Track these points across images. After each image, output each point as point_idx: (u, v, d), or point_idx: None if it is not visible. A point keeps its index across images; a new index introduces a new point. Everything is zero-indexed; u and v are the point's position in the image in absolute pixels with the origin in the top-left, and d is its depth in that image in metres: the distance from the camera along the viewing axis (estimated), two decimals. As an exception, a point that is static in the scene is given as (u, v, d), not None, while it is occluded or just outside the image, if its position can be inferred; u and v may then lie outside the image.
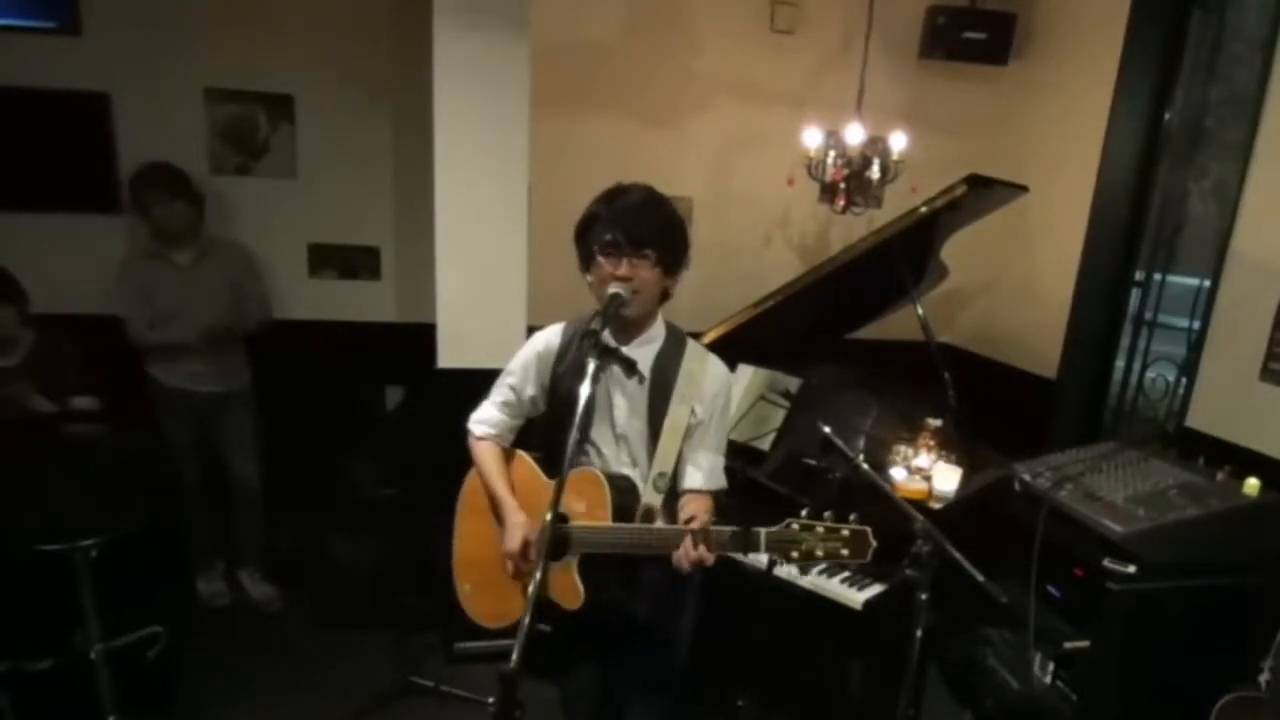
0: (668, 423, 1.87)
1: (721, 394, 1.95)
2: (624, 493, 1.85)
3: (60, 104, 3.31)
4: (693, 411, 1.89)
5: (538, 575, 1.43)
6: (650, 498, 1.87)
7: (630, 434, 1.91)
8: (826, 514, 1.65)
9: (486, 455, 2.01)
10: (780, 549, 1.66)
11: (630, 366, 1.88)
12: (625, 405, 1.90)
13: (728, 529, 1.70)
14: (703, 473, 1.92)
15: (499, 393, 2.03)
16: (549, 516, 1.51)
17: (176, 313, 3.20)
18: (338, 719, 2.85)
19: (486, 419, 2.04)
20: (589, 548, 1.81)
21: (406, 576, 3.43)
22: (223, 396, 3.34)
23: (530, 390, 2.00)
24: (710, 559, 1.70)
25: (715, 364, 1.96)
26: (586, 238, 1.85)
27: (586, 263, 1.87)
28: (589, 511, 1.82)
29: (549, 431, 1.98)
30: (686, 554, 1.69)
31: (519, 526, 1.89)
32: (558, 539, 1.81)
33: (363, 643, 3.28)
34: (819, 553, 1.64)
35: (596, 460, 1.93)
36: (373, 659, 3.17)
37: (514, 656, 1.33)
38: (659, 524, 1.85)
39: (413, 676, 3.04)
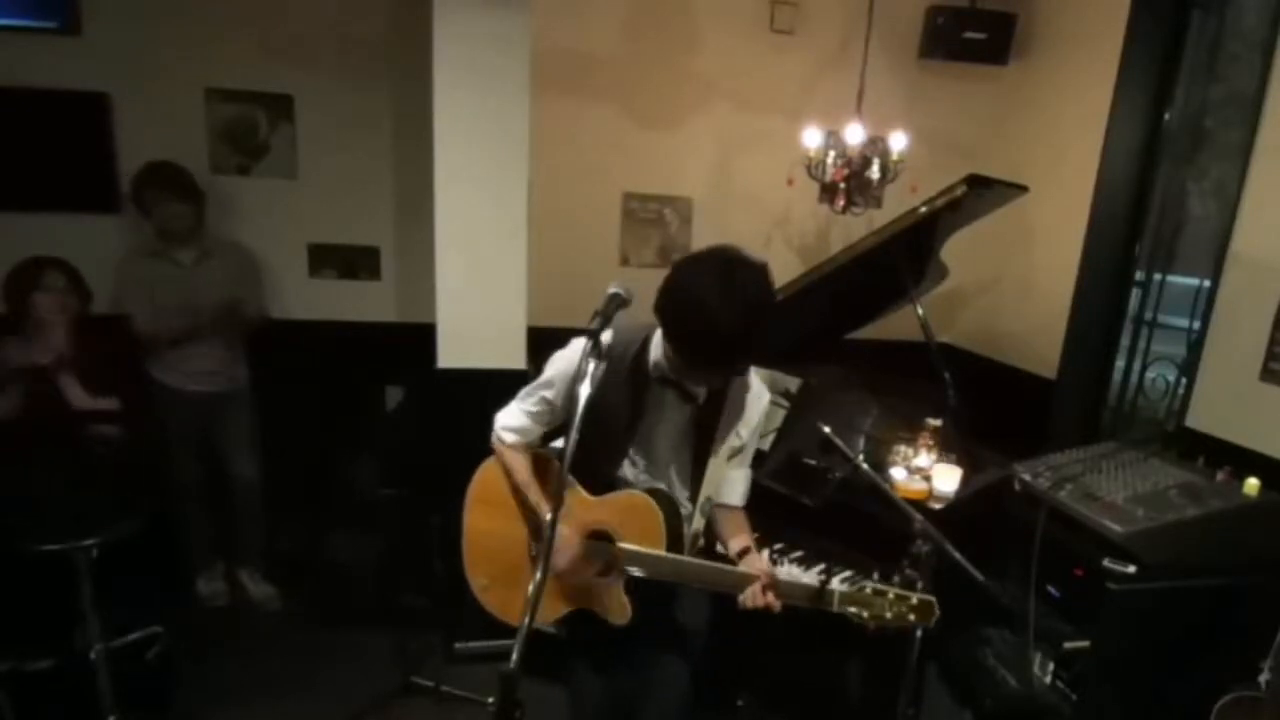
0: (718, 451, 1.91)
1: (758, 416, 1.98)
2: (672, 516, 1.88)
3: (60, 104, 3.31)
4: (737, 434, 1.94)
5: (537, 576, 1.42)
6: (698, 523, 1.92)
7: (675, 461, 1.94)
8: (895, 579, 1.77)
9: (518, 462, 1.99)
10: (853, 607, 1.73)
11: (688, 395, 1.89)
12: (673, 433, 1.92)
13: (800, 584, 1.78)
14: (740, 489, 1.99)
15: (532, 402, 1.98)
16: (549, 517, 1.50)
17: (177, 311, 3.19)
18: (338, 719, 2.85)
19: (516, 427, 2.00)
20: (639, 572, 1.84)
21: (406, 576, 3.43)
22: (222, 396, 3.34)
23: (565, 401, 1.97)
24: (778, 606, 1.76)
25: (758, 387, 1.98)
26: (699, 346, 1.70)
27: (676, 343, 1.74)
28: (641, 538, 1.85)
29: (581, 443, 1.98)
30: (754, 598, 1.74)
31: (563, 540, 1.88)
32: (603, 559, 1.86)
33: (363, 643, 3.27)
34: (888, 615, 1.72)
35: (629, 471, 1.94)
36: (373, 659, 3.17)
37: (514, 656, 1.33)
38: (713, 563, 1.87)
39: (413, 676, 3.03)
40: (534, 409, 1.99)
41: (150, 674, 2.83)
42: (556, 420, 2.00)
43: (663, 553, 1.84)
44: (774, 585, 1.74)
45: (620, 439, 1.91)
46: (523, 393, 2.01)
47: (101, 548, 2.47)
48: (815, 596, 1.74)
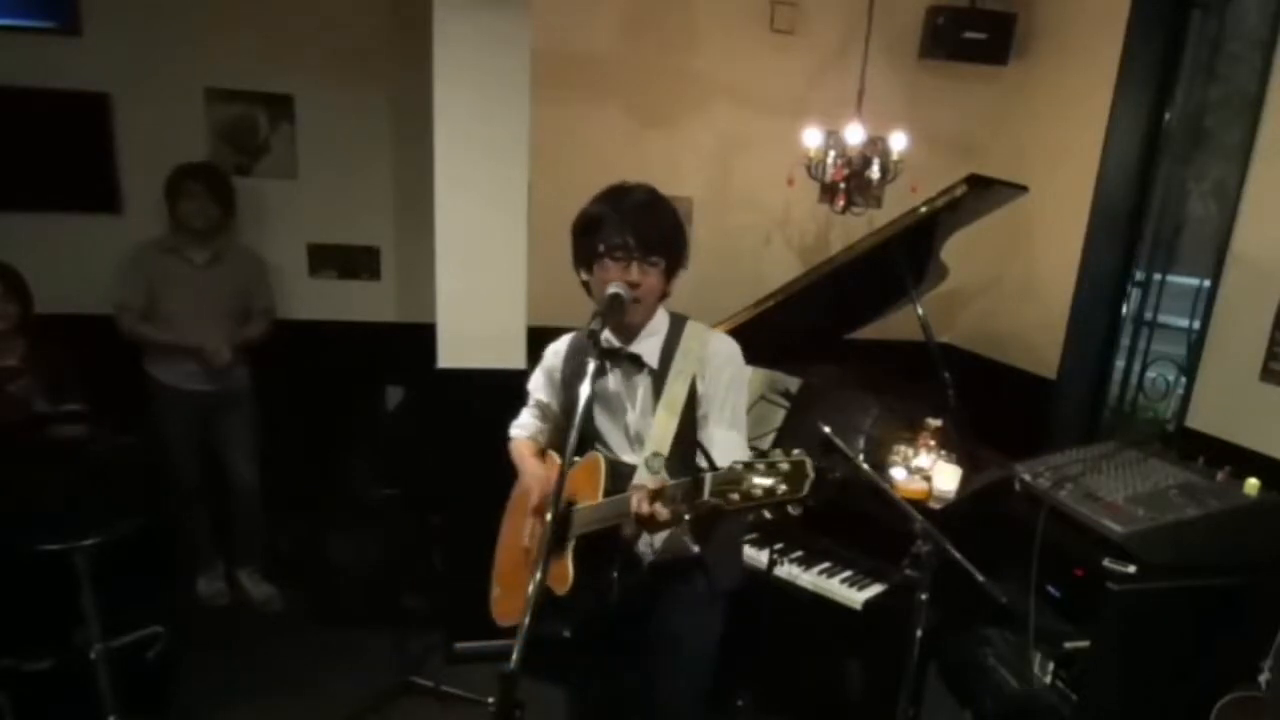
0: (663, 400, 1.82)
1: (725, 365, 1.86)
2: (621, 477, 1.81)
3: (60, 104, 3.31)
4: (694, 385, 1.83)
5: (537, 576, 1.42)
6: (643, 478, 1.76)
7: (645, 430, 1.88)
8: (775, 450, 1.52)
9: (519, 443, 2.08)
10: (722, 492, 1.51)
11: (636, 361, 1.86)
12: (637, 404, 1.88)
13: (677, 481, 1.60)
14: (717, 450, 1.79)
15: (531, 404, 2.10)
16: (548, 516, 1.49)
17: (182, 310, 3.20)
18: (338, 719, 2.85)
19: (521, 423, 2.11)
20: (582, 527, 1.80)
21: (406, 576, 3.43)
22: (222, 396, 3.34)
23: (551, 403, 2.05)
24: (664, 514, 1.58)
25: (718, 338, 1.90)
26: (591, 238, 1.81)
27: (587, 262, 1.84)
28: (585, 493, 1.82)
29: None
30: (635, 510, 1.60)
31: (535, 478, 1.92)
32: (563, 523, 1.81)
33: (363, 643, 3.27)
34: (757, 491, 1.47)
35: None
36: (373, 659, 3.17)
37: (514, 656, 1.33)
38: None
39: (413, 676, 3.04)
40: (535, 409, 2.09)
41: (150, 674, 2.83)
42: (553, 418, 2.07)
43: (590, 502, 1.77)
44: (658, 494, 1.59)
45: (594, 429, 1.91)
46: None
47: (101, 548, 2.46)
48: (692, 489, 1.55)
